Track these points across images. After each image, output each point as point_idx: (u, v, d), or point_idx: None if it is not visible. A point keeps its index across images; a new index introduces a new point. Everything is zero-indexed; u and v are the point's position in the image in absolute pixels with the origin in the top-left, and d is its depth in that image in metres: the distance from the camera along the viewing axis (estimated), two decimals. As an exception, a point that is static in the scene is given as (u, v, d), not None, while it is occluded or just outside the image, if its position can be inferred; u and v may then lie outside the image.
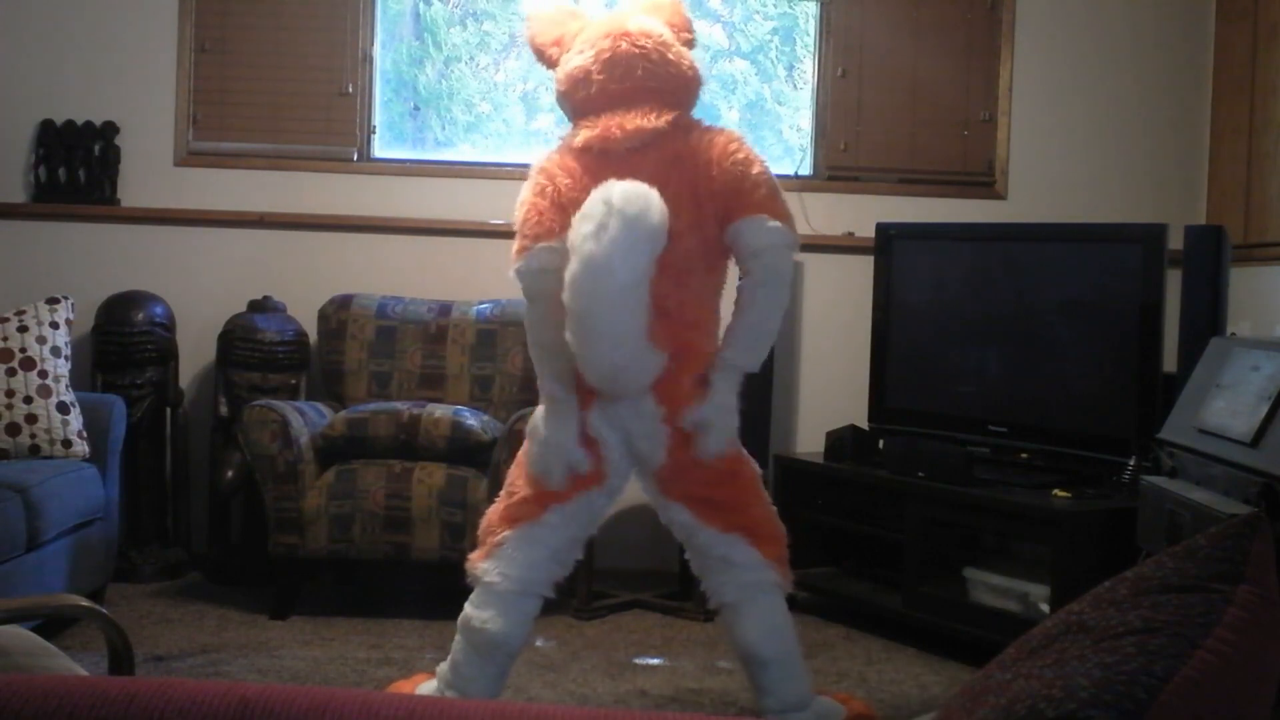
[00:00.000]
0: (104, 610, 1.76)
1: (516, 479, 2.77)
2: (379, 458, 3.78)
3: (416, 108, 4.69)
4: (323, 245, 4.50)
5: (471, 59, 4.72)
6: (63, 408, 3.67)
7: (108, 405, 3.87)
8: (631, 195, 2.41)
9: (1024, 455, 3.82)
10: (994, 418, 3.86)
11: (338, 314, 4.25)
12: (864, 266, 4.26)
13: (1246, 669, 0.80)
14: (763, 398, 4.18)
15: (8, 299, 4.10)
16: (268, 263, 4.47)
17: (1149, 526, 2.88)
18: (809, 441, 4.46)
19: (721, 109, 4.70)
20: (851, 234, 4.51)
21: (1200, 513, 2.57)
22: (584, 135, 2.72)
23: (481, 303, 4.26)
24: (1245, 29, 4.32)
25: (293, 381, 4.21)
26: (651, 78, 2.71)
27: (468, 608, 2.71)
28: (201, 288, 4.44)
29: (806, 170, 4.60)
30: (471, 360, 4.19)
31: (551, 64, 2.83)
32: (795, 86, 4.70)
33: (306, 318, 4.31)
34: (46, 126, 4.42)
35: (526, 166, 2.86)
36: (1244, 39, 4.33)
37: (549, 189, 2.73)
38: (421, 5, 4.68)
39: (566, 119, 2.86)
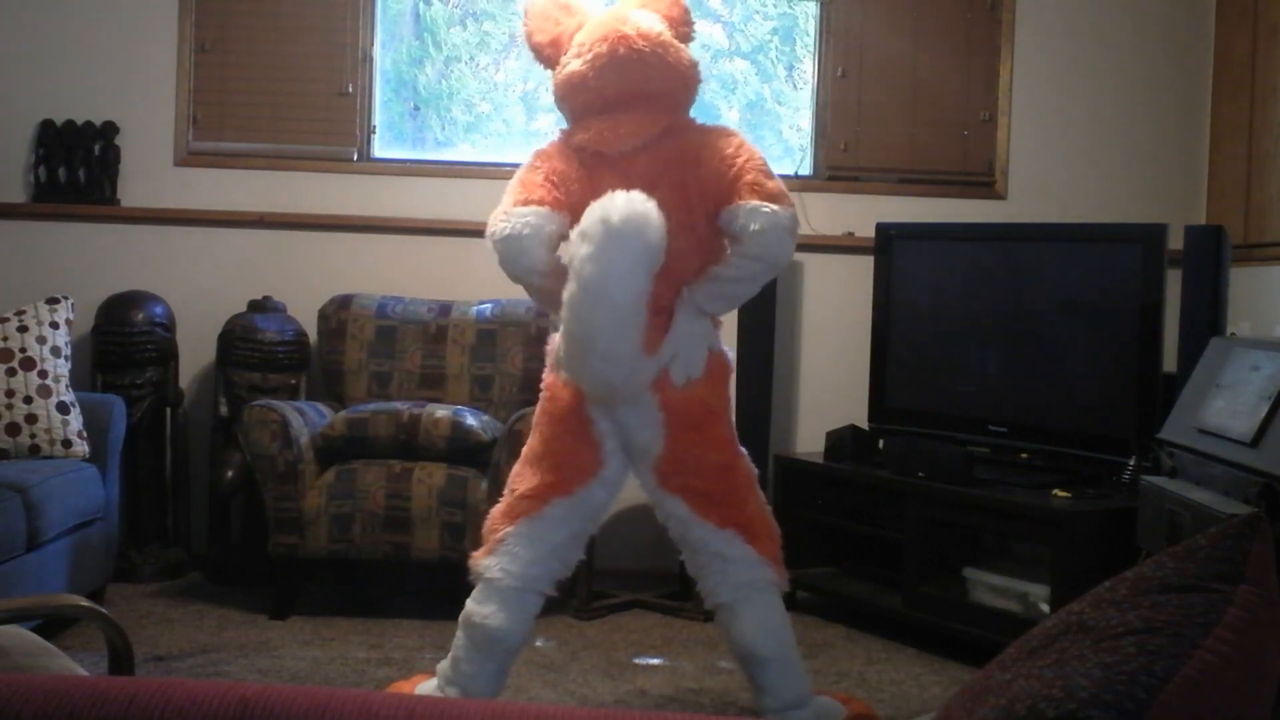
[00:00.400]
0: (104, 610, 1.76)
1: (517, 476, 2.78)
2: (379, 458, 3.78)
3: (416, 108, 4.69)
4: (323, 245, 4.50)
5: (471, 59, 4.72)
6: (63, 408, 3.67)
7: (108, 405, 3.87)
8: (630, 214, 2.39)
9: (1024, 455, 3.82)
10: (994, 418, 3.86)
11: (338, 314, 4.25)
12: (864, 266, 4.26)
13: (1246, 669, 0.80)
14: (763, 398, 4.18)
15: (8, 299, 4.10)
16: (268, 263, 4.47)
17: (1149, 526, 2.88)
18: (809, 441, 4.46)
19: (721, 109, 4.70)
20: (851, 234, 4.51)
21: (1200, 513, 2.57)
22: (579, 139, 2.73)
23: (481, 303, 4.26)
24: (1245, 29, 4.32)
25: (293, 381, 4.21)
26: (649, 81, 2.70)
27: (469, 603, 2.72)
28: (201, 288, 4.44)
29: (806, 170, 4.60)
30: (471, 360, 4.19)
31: (549, 64, 2.83)
32: (795, 86, 4.70)
33: (306, 318, 4.31)
34: (46, 126, 4.42)
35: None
36: (1244, 39, 4.33)
37: (543, 168, 2.76)
38: (421, 5, 4.68)
39: (564, 120, 2.86)
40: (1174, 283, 3.45)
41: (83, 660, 1.99)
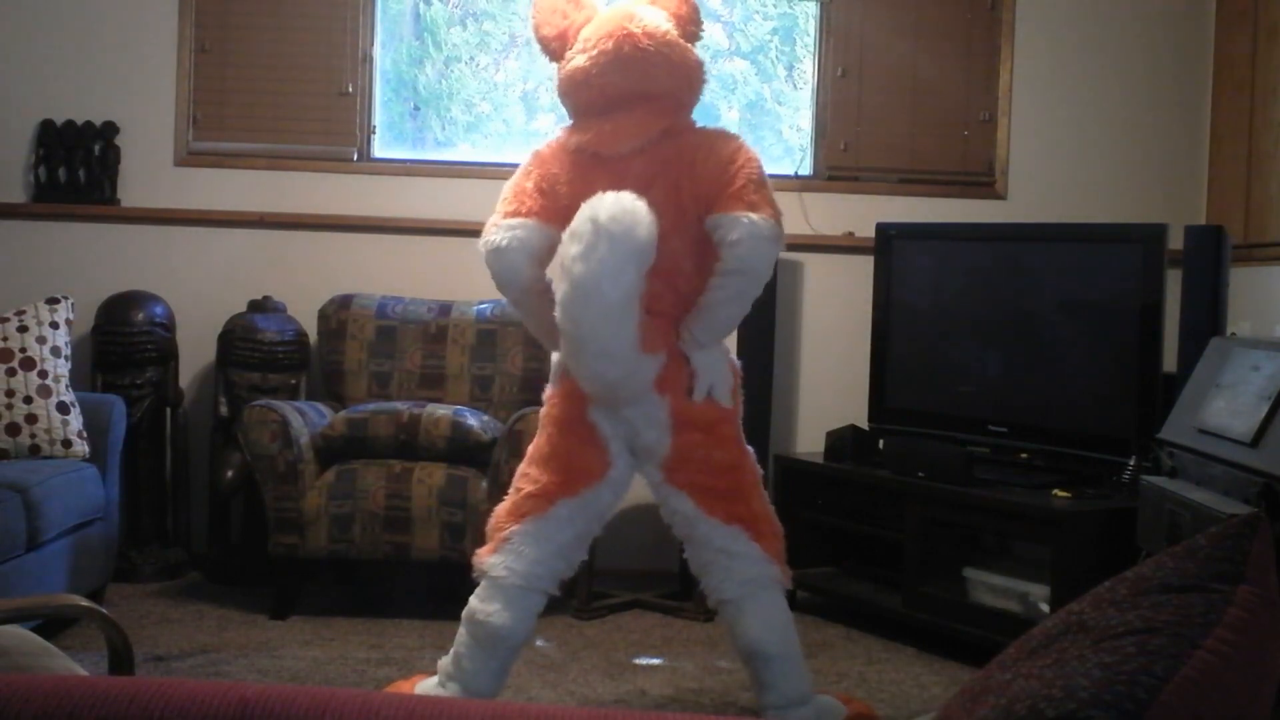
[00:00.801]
0: (104, 610, 1.76)
1: (523, 475, 2.78)
2: (379, 458, 3.78)
3: (416, 108, 4.69)
4: (323, 245, 4.50)
5: (471, 59, 4.72)
6: (63, 408, 3.67)
7: (108, 405, 3.86)
8: (618, 213, 2.40)
9: (1024, 455, 3.82)
10: (994, 418, 3.86)
11: (338, 314, 4.25)
12: (864, 266, 4.26)
13: (1246, 669, 0.80)
14: (763, 398, 4.18)
15: (8, 299, 4.10)
16: (268, 263, 4.47)
17: (1149, 526, 2.88)
18: (809, 441, 4.46)
19: (721, 109, 4.70)
20: (851, 234, 4.51)
21: (1200, 513, 2.57)
22: (578, 140, 2.73)
23: (481, 303, 4.26)
24: (1245, 29, 4.32)
25: (293, 381, 4.21)
26: (653, 81, 2.69)
27: (473, 601, 2.72)
28: (201, 288, 4.44)
29: (806, 170, 4.60)
30: (471, 360, 4.19)
31: (554, 57, 2.82)
32: (795, 86, 4.70)
33: (306, 318, 4.31)
34: (46, 126, 4.42)
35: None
36: (1244, 39, 4.33)
37: (535, 173, 2.77)
38: (421, 5, 4.68)
39: (567, 115, 2.86)
40: (1174, 283, 3.45)
41: (83, 660, 1.99)
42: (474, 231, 4.37)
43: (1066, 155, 4.58)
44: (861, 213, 4.47)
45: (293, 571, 3.79)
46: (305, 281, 4.43)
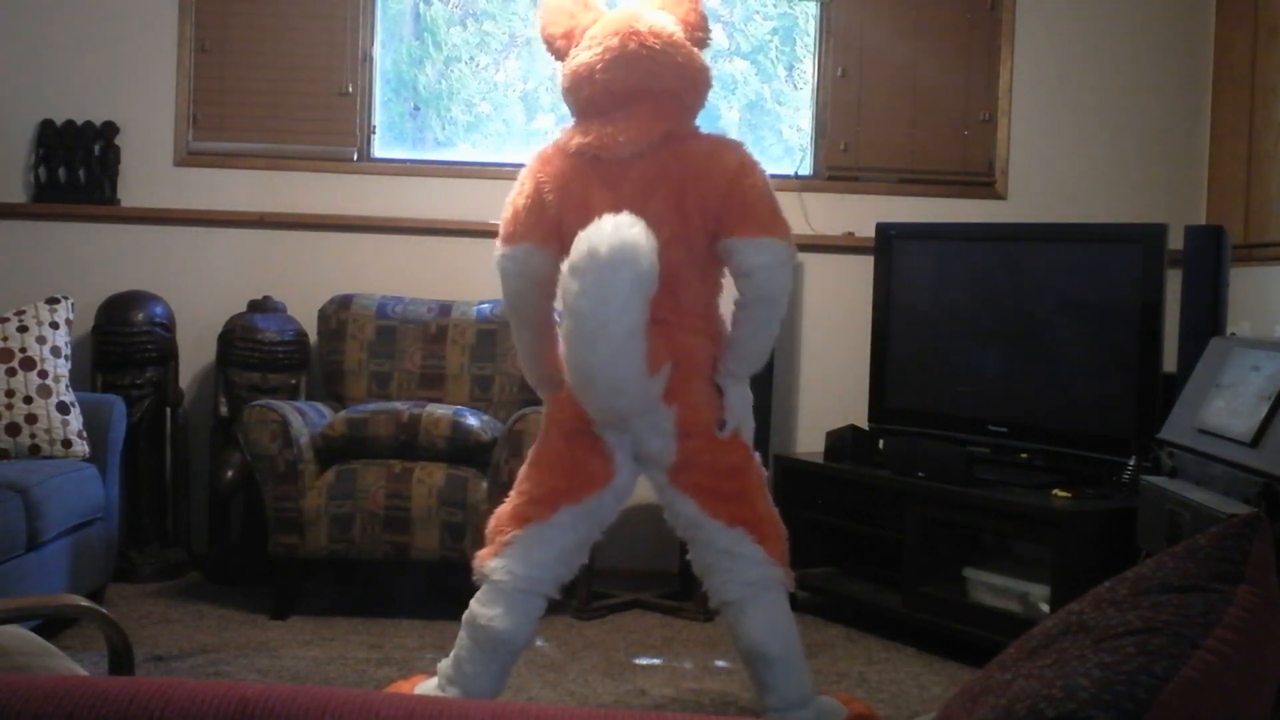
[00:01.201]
0: (104, 610, 1.76)
1: (525, 478, 2.78)
2: (379, 458, 3.78)
3: (416, 108, 4.69)
4: (323, 245, 4.50)
5: (471, 59, 4.72)
6: (63, 408, 3.67)
7: (108, 405, 3.86)
8: (618, 244, 2.36)
9: (1024, 455, 3.82)
10: (994, 418, 3.86)
11: (338, 314, 4.25)
12: (864, 266, 4.26)
13: (1246, 669, 0.80)
14: (763, 398, 4.18)
15: (8, 299, 4.10)
16: (268, 263, 4.47)
17: (1149, 526, 2.88)
18: (809, 441, 4.46)
19: (721, 109, 4.70)
20: (851, 234, 4.51)
21: (1200, 513, 2.57)
22: (578, 142, 2.71)
23: (481, 303, 4.26)
24: (1245, 29, 4.32)
25: (293, 381, 4.21)
26: (657, 80, 2.68)
27: (473, 604, 2.71)
28: (201, 288, 4.44)
29: (806, 170, 4.60)
30: (471, 360, 4.19)
31: (560, 56, 2.82)
32: (795, 86, 4.70)
33: (306, 318, 4.31)
34: (46, 126, 4.43)
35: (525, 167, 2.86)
36: (1244, 39, 4.33)
37: (528, 189, 2.76)
38: (421, 5, 4.68)
39: (570, 113, 2.85)
40: (1174, 283, 3.45)
41: (83, 660, 1.99)
42: (474, 232, 4.41)
43: (1066, 155, 4.58)
44: (861, 213, 4.47)
45: (293, 571, 3.79)
46: (305, 281, 4.43)
